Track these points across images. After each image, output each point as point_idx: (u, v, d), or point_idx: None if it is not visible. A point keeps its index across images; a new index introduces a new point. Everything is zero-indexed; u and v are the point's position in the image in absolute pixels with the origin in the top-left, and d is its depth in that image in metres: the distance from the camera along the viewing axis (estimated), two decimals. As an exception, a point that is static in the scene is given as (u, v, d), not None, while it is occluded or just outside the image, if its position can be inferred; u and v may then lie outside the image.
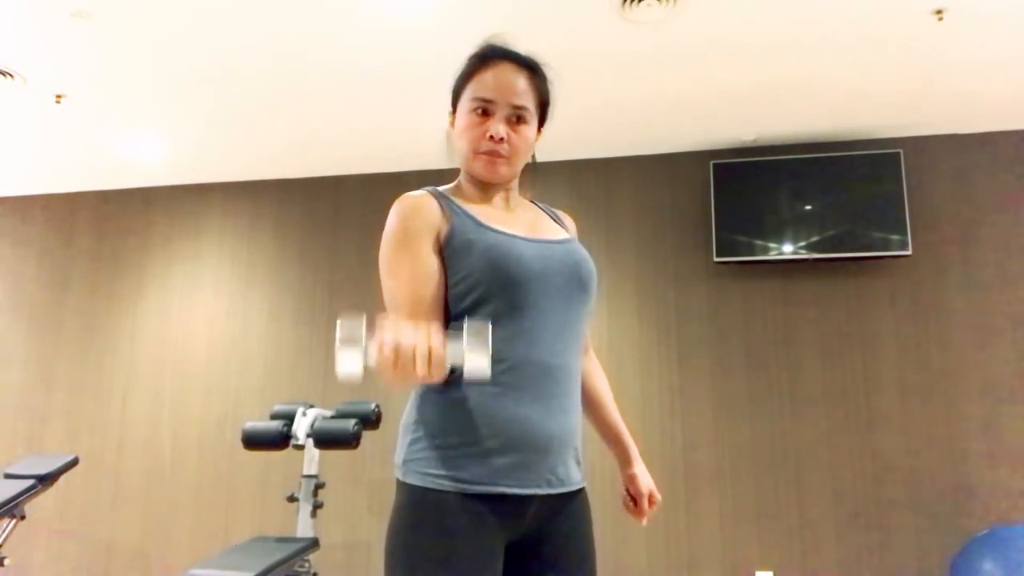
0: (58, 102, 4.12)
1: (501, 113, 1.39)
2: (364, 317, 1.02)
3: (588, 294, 1.42)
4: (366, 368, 1.02)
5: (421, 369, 1.04)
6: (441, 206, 1.40)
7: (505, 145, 1.39)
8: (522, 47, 1.47)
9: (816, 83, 3.88)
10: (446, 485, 1.27)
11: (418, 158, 4.84)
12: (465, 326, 1.05)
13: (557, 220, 1.55)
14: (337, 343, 1.01)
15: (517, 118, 1.40)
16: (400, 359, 1.03)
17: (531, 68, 1.43)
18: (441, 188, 1.46)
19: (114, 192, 5.41)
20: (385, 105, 4.17)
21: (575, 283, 1.40)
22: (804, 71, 3.77)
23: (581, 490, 1.42)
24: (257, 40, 3.57)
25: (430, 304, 1.32)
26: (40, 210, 5.50)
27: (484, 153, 1.39)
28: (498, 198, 1.47)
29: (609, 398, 1.61)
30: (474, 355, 1.03)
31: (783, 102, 4.08)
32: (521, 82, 1.40)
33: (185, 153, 4.82)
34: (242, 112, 4.27)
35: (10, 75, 3.88)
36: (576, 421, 1.38)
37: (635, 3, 3.23)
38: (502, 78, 1.40)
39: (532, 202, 1.58)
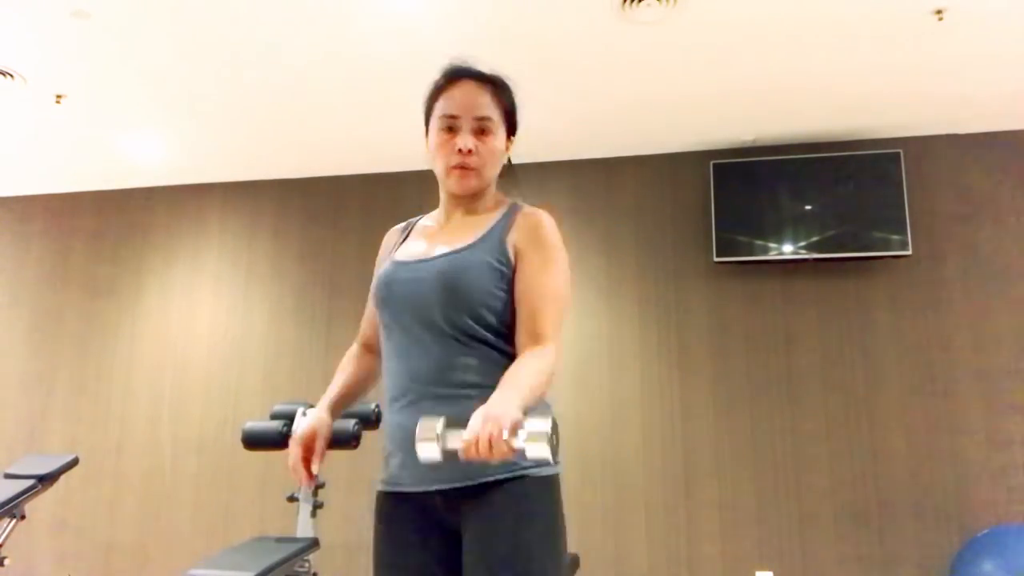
0: (58, 102, 4.12)
1: (467, 127, 1.49)
2: (442, 419, 1.21)
3: (440, 306, 1.43)
4: (444, 453, 1.21)
5: (495, 458, 1.18)
6: (400, 239, 1.62)
7: (473, 157, 1.49)
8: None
9: (816, 83, 3.88)
10: (378, 487, 1.51)
11: (418, 158, 4.84)
12: (527, 421, 1.18)
13: (504, 227, 1.50)
14: (416, 438, 1.20)
15: (482, 130, 1.49)
16: (479, 452, 1.18)
17: (493, 83, 1.53)
18: (433, 213, 1.63)
19: (114, 192, 5.41)
20: (385, 105, 4.17)
21: (426, 299, 1.45)
22: (804, 71, 3.77)
23: (504, 482, 1.37)
24: (257, 40, 3.57)
25: (369, 324, 1.70)
26: (40, 210, 5.50)
27: (455, 168, 1.50)
28: (459, 212, 1.56)
29: (510, 373, 1.36)
30: (532, 446, 1.16)
31: (783, 102, 4.08)
32: (484, 96, 1.51)
33: (185, 153, 4.82)
34: (242, 112, 4.27)
35: (10, 75, 3.88)
36: (454, 420, 1.32)
37: (635, 3, 3.23)
38: (465, 94, 1.50)
39: (513, 204, 1.56)
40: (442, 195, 1.60)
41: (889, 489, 4.08)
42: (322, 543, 4.51)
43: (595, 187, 4.73)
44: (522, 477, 1.38)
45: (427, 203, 4.95)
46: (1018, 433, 4.02)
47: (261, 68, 3.81)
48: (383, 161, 4.90)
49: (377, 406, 3.88)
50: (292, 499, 3.79)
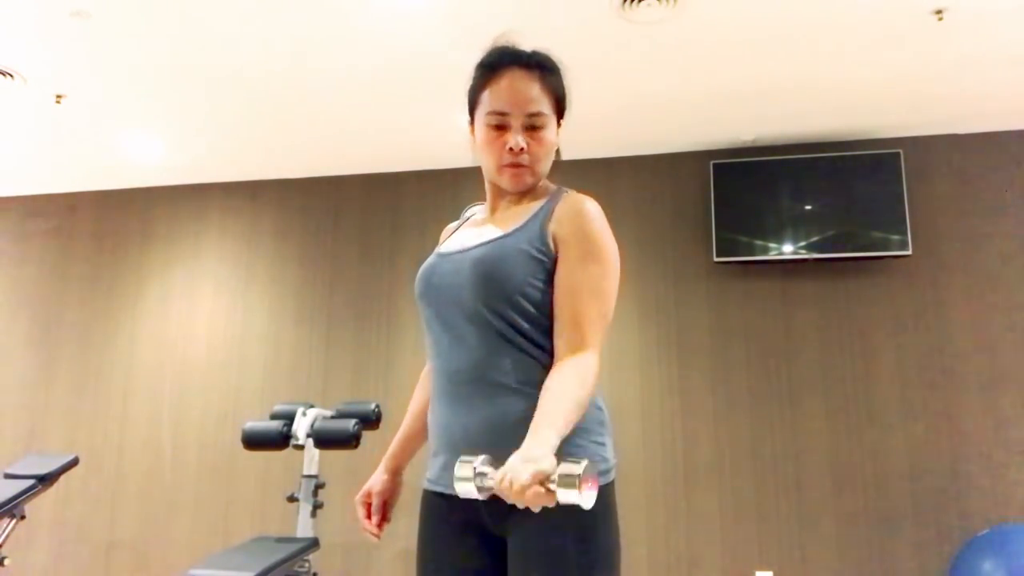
0: (58, 102, 4.12)
1: (517, 123, 1.41)
2: (481, 457, 1.15)
3: (476, 296, 1.36)
4: (481, 490, 1.14)
5: (528, 503, 1.10)
6: (450, 235, 1.59)
7: (525, 155, 1.41)
8: (527, 45, 1.47)
9: (816, 83, 3.88)
10: (424, 484, 1.48)
11: (417, 158, 4.84)
12: (560, 466, 1.10)
13: (546, 215, 1.42)
14: (455, 477, 1.14)
15: (534, 126, 1.41)
16: (512, 495, 1.10)
17: (541, 67, 1.44)
18: (485, 204, 1.57)
19: (114, 192, 5.41)
20: (384, 105, 4.17)
21: (463, 289, 1.38)
22: (804, 71, 3.77)
23: None
24: (257, 40, 3.57)
25: None
26: (40, 210, 5.50)
27: (508, 166, 1.42)
28: (504, 202, 1.50)
29: (547, 392, 1.29)
30: (562, 491, 1.09)
31: (783, 102, 4.08)
32: (534, 88, 1.41)
33: (185, 153, 4.82)
34: (242, 112, 4.27)
35: (10, 75, 3.88)
36: (494, 420, 1.34)
37: (635, 3, 3.23)
38: (514, 88, 1.41)
39: (558, 190, 1.49)
40: (488, 186, 1.52)
41: (889, 489, 4.08)
42: (322, 543, 4.51)
43: (595, 187, 4.73)
44: None
45: (427, 203, 4.95)
46: (1018, 433, 4.02)
47: (261, 68, 3.81)
48: (383, 161, 4.90)
49: (377, 406, 3.88)
50: (292, 499, 3.79)
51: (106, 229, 5.36)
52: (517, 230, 1.40)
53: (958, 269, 4.24)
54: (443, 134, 4.49)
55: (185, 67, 3.81)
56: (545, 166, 1.46)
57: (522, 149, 1.40)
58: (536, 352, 1.36)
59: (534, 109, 1.40)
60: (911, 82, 3.86)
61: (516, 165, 1.42)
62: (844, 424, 4.19)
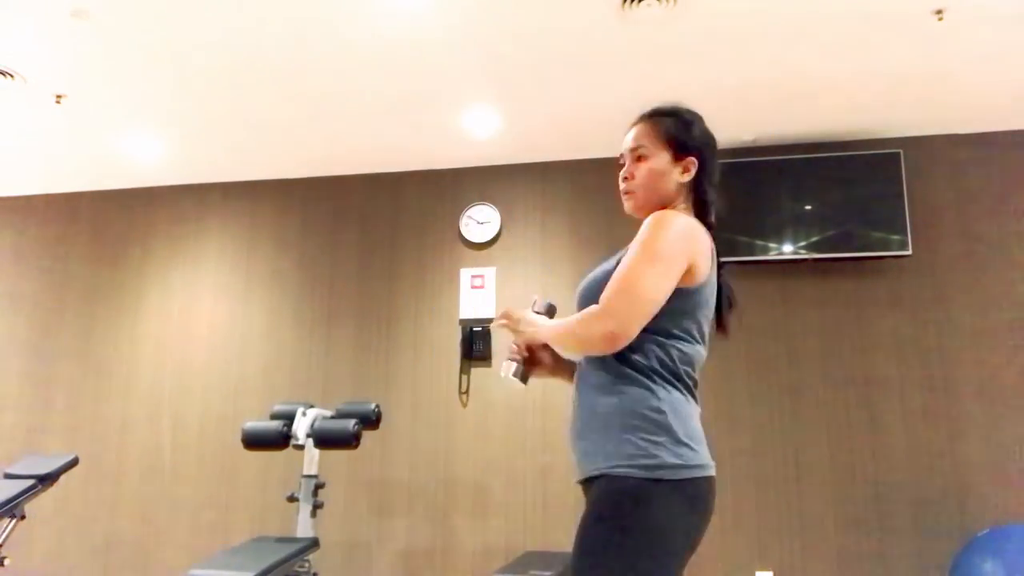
0: (58, 102, 4.12)
1: (628, 158, 1.78)
2: (515, 363, 1.79)
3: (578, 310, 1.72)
4: (512, 368, 1.79)
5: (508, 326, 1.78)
6: None
7: (630, 182, 1.76)
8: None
9: (816, 83, 3.88)
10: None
11: (418, 158, 4.84)
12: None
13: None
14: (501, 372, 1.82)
15: (637, 158, 1.75)
16: (504, 317, 1.79)
17: (650, 115, 1.77)
18: None
19: (114, 192, 5.41)
20: (385, 105, 4.17)
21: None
22: (804, 71, 3.77)
23: (591, 480, 1.57)
24: (258, 40, 3.57)
25: None
26: (40, 210, 5.50)
27: (623, 193, 1.79)
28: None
29: None
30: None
31: (783, 102, 4.08)
32: (637, 130, 1.76)
33: (185, 153, 4.82)
34: (241, 112, 4.27)
35: (10, 75, 3.88)
36: (579, 421, 1.65)
37: (635, 3, 3.23)
38: (628, 135, 1.79)
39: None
40: None
41: (889, 489, 4.08)
42: (322, 543, 4.51)
43: (595, 187, 4.73)
44: (603, 476, 1.52)
45: (427, 203, 4.95)
46: (1018, 433, 4.02)
47: (261, 68, 3.81)
48: (383, 161, 4.90)
49: (377, 406, 3.88)
50: (292, 499, 3.79)
51: (106, 229, 5.35)
52: (622, 252, 1.69)
53: (958, 269, 4.24)
54: (443, 134, 4.49)
55: (185, 67, 3.81)
56: (648, 192, 1.73)
57: (626, 177, 1.76)
58: (613, 362, 1.60)
59: (634, 144, 1.76)
60: (911, 82, 3.86)
61: (625, 192, 1.77)
62: (844, 424, 4.19)
